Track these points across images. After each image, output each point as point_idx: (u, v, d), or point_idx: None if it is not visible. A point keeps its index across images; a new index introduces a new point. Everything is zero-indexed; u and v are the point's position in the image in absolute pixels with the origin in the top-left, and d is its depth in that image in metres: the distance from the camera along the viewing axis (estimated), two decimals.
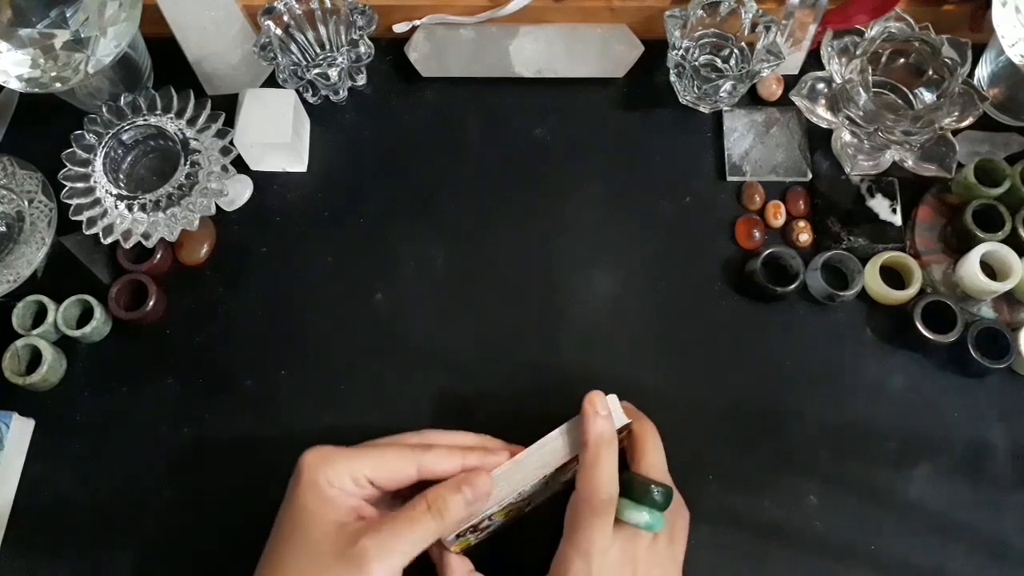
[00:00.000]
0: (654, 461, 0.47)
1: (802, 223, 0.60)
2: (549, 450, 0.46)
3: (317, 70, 0.59)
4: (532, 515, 0.50)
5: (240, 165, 0.61)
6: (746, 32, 0.61)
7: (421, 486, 0.45)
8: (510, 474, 0.46)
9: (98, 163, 0.58)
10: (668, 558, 0.47)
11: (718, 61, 0.63)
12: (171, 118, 0.59)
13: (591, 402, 0.46)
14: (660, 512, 0.45)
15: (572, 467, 0.47)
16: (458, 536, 0.45)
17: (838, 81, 0.58)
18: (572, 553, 0.43)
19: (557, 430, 0.47)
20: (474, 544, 0.49)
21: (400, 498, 0.45)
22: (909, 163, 0.59)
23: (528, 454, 0.46)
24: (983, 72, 0.63)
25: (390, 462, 0.45)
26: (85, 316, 0.57)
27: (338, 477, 0.43)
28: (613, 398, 0.47)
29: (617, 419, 0.47)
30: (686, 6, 0.60)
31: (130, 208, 0.56)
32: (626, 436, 0.49)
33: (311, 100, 0.64)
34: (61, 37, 0.57)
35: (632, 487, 0.45)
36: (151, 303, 0.56)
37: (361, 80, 0.65)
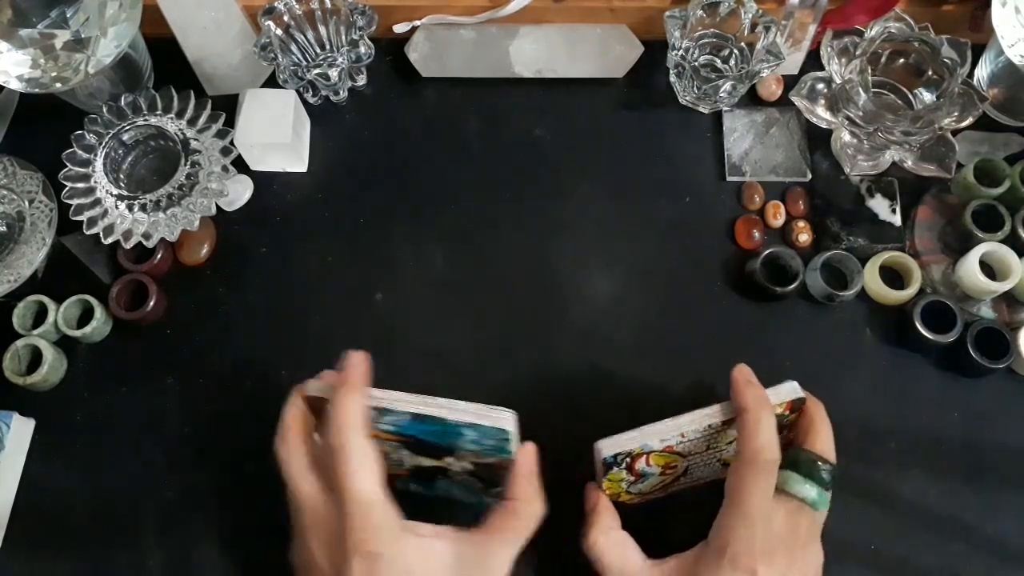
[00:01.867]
0: (824, 442, 0.47)
1: (802, 223, 0.60)
2: (707, 413, 0.46)
3: (317, 70, 0.60)
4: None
5: (240, 165, 0.62)
6: (746, 32, 0.61)
7: None
8: (668, 426, 0.46)
9: (98, 163, 0.58)
10: (817, 543, 0.46)
11: (718, 61, 0.63)
12: (171, 118, 0.59)
13: (740, 372, 0.47)
14: (826, 491, 0.45)
15: (730, 449, 0.48)
16: (609, 469, 0.46)
17: (838, 81, 0.58)
18: (734, 516, 0.43)
19: (715, 405, 0.47)
20: (627, 502, 0.49)
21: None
22: (909, 163, 0.59)
23: (685, 416, 0.46)
24: (982, 72, 0.63)
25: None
26: (85, 316, 0.57)
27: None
28: (793, 384, 0.47)
29: (792, 391, 0.47)
30: (686, 6, 0.60)
31: (130, 208, 0.56)
32: (795, 417, 0.49)
33: (311, 100, 0.64)
34: (61, 37, 0.57)
35: (801, 462, 0.45)
36: (151, 303, 0.57)
37: (361, 80, 0.65)
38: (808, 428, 0.47)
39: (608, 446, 0.46)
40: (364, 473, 0.42)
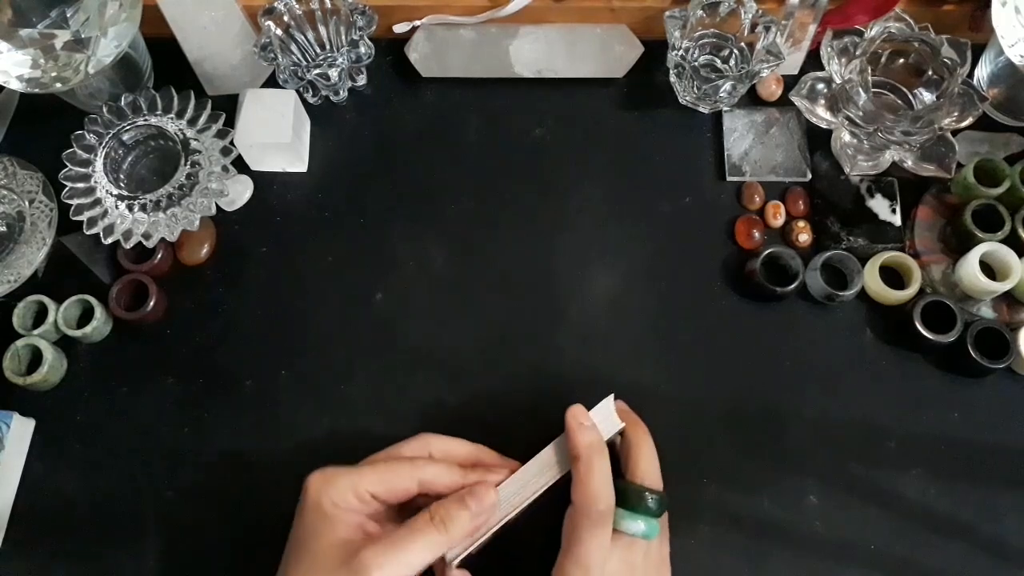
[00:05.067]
0: (648, 468, 0.47)
1: (802, 223, 0.60)
2: (546, 463, 0.46)
3: (317, 70, 0.60)
4: (529, 524, 0.50)
5: (240, 165, 0.62)
6: (746, 32, 0.61)
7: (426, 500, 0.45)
8: (511, 488, 0.46)
9: (99, 163, 0.58)
10: (660, 560, 0.47)
11: (718, 61, 0.63)
12: (171, 118, 0.59)
13: (573, 416, 0.46)
14: (655, 519, 0.45)
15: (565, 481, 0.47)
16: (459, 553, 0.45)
17: (838, 81, 0.58)
18: (572, 567, 0.43)
19: (550, 445, 0.47)
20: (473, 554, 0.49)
21: (406, 512, 0.45)
22: (909, 163, 0.59)
23: (526, 470, 0.46)
24: (982, 72, 0.63)
25: (392, 478, 0.45)
26: (86, 316, 0.57)
27: (341, 496, 0.44)
28: (609, 400, 0.47)
29: (611, 425, 0.47)
30: (686, 6, 0.60)
31: (131, 208, 0.56)
32: (620, 441, 0.49)
33: (311, 100, 0.64)
34: (61, 37, 0.57)
35: (627, 496, 0.45)
36: (151, 303, 0.57)
37: (361, 80, 0.65)
38: (630, 454, 0.47)
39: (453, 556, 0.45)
40: None
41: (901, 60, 0.60)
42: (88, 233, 0.56)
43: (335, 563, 0.42)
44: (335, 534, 0.43)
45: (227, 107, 0.60)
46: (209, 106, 0.59)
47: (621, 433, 0.48)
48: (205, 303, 0.59)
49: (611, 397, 0.48)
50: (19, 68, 0.57)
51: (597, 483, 0.44)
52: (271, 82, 0.64)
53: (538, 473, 0.47)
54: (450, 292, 0.59)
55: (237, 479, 0.54)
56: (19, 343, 0.55)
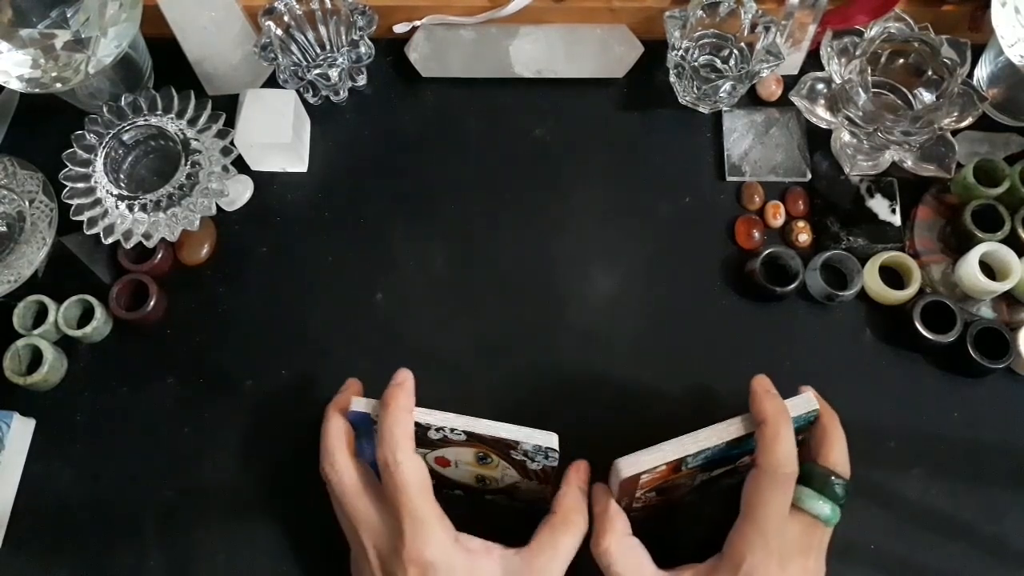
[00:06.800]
0: (839, 456, 0.46)
1: (801, 223, 0.60)
2: (723, 428, 0.46)
3: (317, 70, 0.60)
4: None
5: (241, 165, 0.62)
6: (746, 32, 0.61)
7: None
8: (686, 443, 0.45)
9: (99, 163, 0.58)
10: (823, 562, 0.46)
11: (718, 61, 0.63)
12: (172, 118, 0.59)
13: (760, 382, 0.46)
14: (839, 506, 0.45)
15: (734, 463, 0.48)
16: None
17: (837, 81, 0.58)
18: (750, 529, 0.43)
19: (735, 419, 0.46)
20: (633, 507, 0.49)
21: None
22: (908, 163, 0.59)
23: (704, 431, 0.46)
24: (982, 72, 0.63)
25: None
26: (86, 316, 0.57)
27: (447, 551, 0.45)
28: (808, 391, 0.47)
29: (806, 403, 0.46)
30: (686, 7, 0.60)
31: (131, 208, 0.56)
32: (810, 429, 0.48)
33: (311, 100, 0.64)
34: (62, 37, 0.57)
35: (813, 477, 0.45)
36: (152, 303, 0.57)
37: (361, 80, 0.65)
38: (822, 440, 0.47)
39: (628, 465, 0.45)
40: (417, 489, 0.43)
41: (901, 60, 0.60)
42: (88, 233, 0.57)
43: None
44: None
45: (227, 107, 0.60)
46: (209, 106, 0.59)
47: (814, 419, 0.48)
48: (205, 303, 0.59)
49: (809, 389, 0.48)
50: (19, 68, 0.57)
51: (784, 447, 0.44)
52: (271, 82, 0.64)
53: (715, 433, 0.46)
54: (450, 292, 0.59)
55: (237, 479, 0.54)
56: (19, 343, 0.55)
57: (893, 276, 0.58)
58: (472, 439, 0.46)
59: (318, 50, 0.63)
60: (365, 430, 0.48)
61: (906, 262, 0.57)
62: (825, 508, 0.44)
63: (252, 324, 0.58)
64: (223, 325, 0.58)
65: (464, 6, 0.64)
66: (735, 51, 0.62)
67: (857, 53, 0.57)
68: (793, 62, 0.64)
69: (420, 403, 0.56)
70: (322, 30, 0.62)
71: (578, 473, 0.48)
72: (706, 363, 0.57)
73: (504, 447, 0.46)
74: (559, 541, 0.45)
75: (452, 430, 0.45)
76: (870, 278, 0.58)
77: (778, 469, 0.43)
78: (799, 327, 0.58)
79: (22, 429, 0.55)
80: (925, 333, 0.55)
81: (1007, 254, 0.55)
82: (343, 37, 0.61)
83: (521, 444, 0.45)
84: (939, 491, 0.54)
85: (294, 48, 0.62)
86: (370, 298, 0.59)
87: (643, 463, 0.44)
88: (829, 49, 0.58)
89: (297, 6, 0.60)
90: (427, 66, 0.64)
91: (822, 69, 0.59)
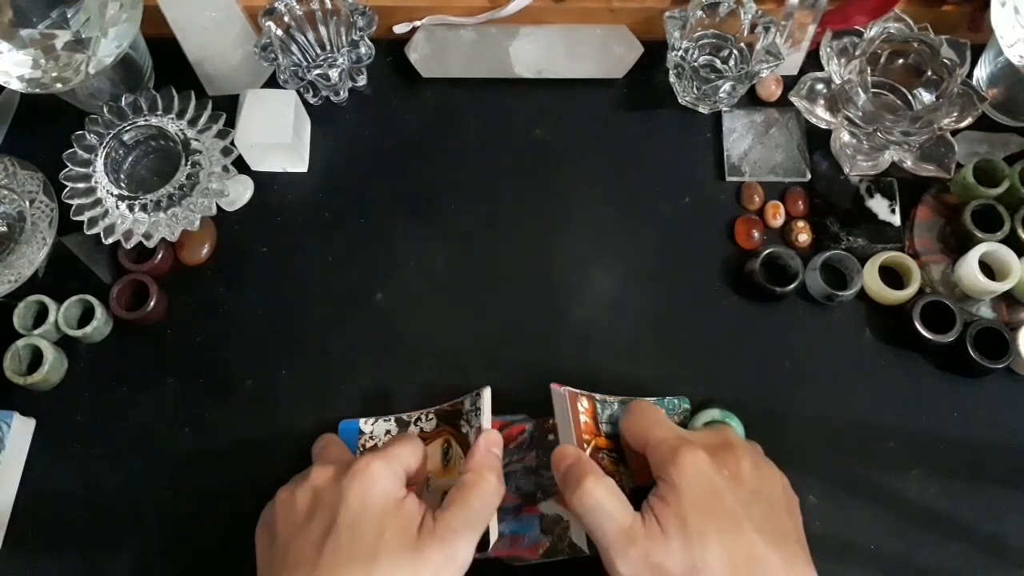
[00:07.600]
0: (664, 431, 0.47)
1: (801, 223, 0.60)
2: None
3: (318, 71, 0.60)
4: None
5: (241, 165, 0.62)
6: (745, 33, 0.61)
7: None
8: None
9: (99, 163, 0.58)
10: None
11: (717, 62, 0.63)
12: (172, 119, 0.59)
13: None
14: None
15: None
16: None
17: (837, 82, 0.58)
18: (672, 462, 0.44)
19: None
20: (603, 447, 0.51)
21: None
22: (908, 163, 0.59)
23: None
24: (982, 73, 0.63)
25: (416, 449, 0.47)
26: (86, 316, 0.57)
27: (389, 484, 0.44)
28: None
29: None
30: (685, 7, 0.60)
31: (131, 208, 0.57)
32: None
33: (312, 101, 0.64)
34: (62, 37, 0.57)
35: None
36: (152, 303, 0.57)
37: (362, 81, 0.65)
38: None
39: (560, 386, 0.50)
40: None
41: (900, 60, 0.60)
42: (88, 233, 0.57)
43: (408, 549, 0.42)
44: (400, 522, 0.43)
45: (227, 107, 0.60)
46: (209, 106, 0.59)
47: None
48: (205, 303, 0.59)
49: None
50: (20, 68, 0.57)
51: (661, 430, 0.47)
52: (271, 82, 0.64)
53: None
54: (450, 292, 0.59)
55: (237, 479, 0.54)
56: (20, 343, 0.55)
57: (893, 276, 0.58)
58: (440, 421, 0.51)
59: (318, 50, 0.64)
60: (353, 447, 0.52)
61: (906, 262, 0.57)
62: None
63: (252, 324, 0.58)
64: (223, 325, 0.58)
65: (464, 6, 0.64)
66: (735, 51, 0.62)
67: (857, 53, 0.57)
68: (793, 62, 0.64)
69: (420, 403, 0.56)
70: (322, 30, 0.62)
71: (487, 437, 0.48)
72: (706, 363, 0.57)
73: (456, 418, 0.51)
74: (466, 499, 0.44)
75: (427, 416, 0.52)
76: (870, 278, 0.58)
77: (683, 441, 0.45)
78: (799, 327, 0.58)
79: (22, 429, 0.55)
80: (925, 333, 0.55)
81: (1007, 254, 0.55)
82: (343, 37, 0.61)
83: (464, 407, 0.50)
84: (939, 491, 0.54)
85: (294, 48, 0.62)
86: (370, 298, 0.59)
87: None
88: (829, 49, 0.58)
89: (297, 6, 0.60)
90: (427, 66, 0.64)
91: (822, 69, 0.59)
